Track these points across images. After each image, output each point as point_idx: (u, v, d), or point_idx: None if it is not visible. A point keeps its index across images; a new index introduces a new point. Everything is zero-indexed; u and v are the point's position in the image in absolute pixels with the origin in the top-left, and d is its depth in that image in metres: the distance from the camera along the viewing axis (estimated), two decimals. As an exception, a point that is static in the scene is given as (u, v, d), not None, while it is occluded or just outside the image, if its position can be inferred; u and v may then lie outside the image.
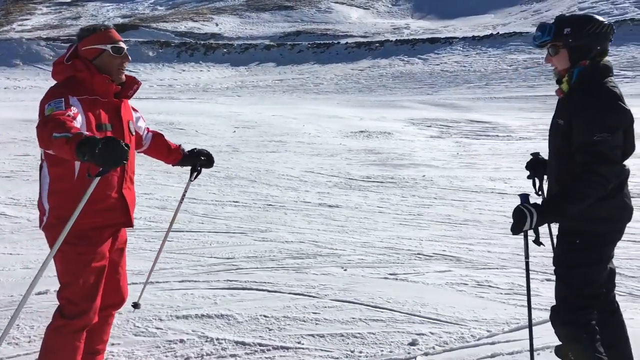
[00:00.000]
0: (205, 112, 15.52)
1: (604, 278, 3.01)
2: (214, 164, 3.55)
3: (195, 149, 3.48)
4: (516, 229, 2.71)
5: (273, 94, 23.22)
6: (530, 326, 3.00)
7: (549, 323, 3.57)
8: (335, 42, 31.06)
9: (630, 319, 3.40)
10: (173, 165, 3.45)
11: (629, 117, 2.74)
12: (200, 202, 7.18)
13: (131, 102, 3.16)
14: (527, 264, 2.99)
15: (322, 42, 31.47)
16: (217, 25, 38.20)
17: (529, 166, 3.32)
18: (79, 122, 2.61)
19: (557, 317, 3.01)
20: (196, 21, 38.86)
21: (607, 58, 2.84)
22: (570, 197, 2.68)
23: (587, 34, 2.76)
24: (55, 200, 2.76)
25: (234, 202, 7.26)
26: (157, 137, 3.31)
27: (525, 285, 4.51)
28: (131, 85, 2.96)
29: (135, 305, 3.56)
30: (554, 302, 4.10)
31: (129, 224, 2.95)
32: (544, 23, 2.88)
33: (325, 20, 37.44)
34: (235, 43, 32.97)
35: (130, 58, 2.93)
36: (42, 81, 27.10)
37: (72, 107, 2.63)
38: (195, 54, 31.51)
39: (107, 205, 2.83)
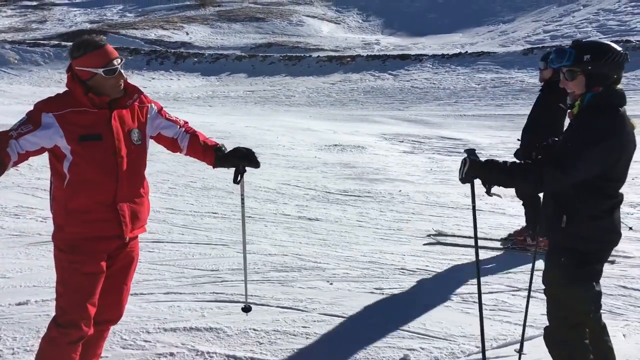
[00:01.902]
0: (178, 122, 15.35)
1: (592, 296, 3.10)
2: (257, 164, 3.15)
3: (238, 148, 3.14)
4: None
5: (245, 105, 23.13)
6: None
7: (538, 339, 3.66)
8: (307, 55, 31.15)
9: (612, 336, 3.49)
10: (214, 168, 3.19)
11: (629, 150, 2.81)
12: (179, 213, 7.10)
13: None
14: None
15: (293, 54, 31.53)
16: (187, 34, 37.92)
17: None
18: (33, 140, 2.61)
19: (550, 336, 3.07)
20: (166, 29, 38.50)
21: (620, 85, 2.88)
22: (506, 168, 2.88)
23: (606, 63, 2.80)
24: (53, 206, 2.82)
25: (212, 213, 7.20)
26: (193, 139, 3.13)
27: (509, 301, 4.64)
28: (132, 94, 2.90)
29: (247, 309, 3.46)
30: (538, 318, 4.20)
31: (122, 237, 2.86)
32: (562, 48, 2.91)
33: (296, 33, 37.56)
34: (206, 53, 32.74)
35: (125, 75, 2.82)
36: (7, 85, 26.43)
37: (29, 126, 2.63)
38: (165, 62, 31.17)
39: (97, 217, 2.77)
